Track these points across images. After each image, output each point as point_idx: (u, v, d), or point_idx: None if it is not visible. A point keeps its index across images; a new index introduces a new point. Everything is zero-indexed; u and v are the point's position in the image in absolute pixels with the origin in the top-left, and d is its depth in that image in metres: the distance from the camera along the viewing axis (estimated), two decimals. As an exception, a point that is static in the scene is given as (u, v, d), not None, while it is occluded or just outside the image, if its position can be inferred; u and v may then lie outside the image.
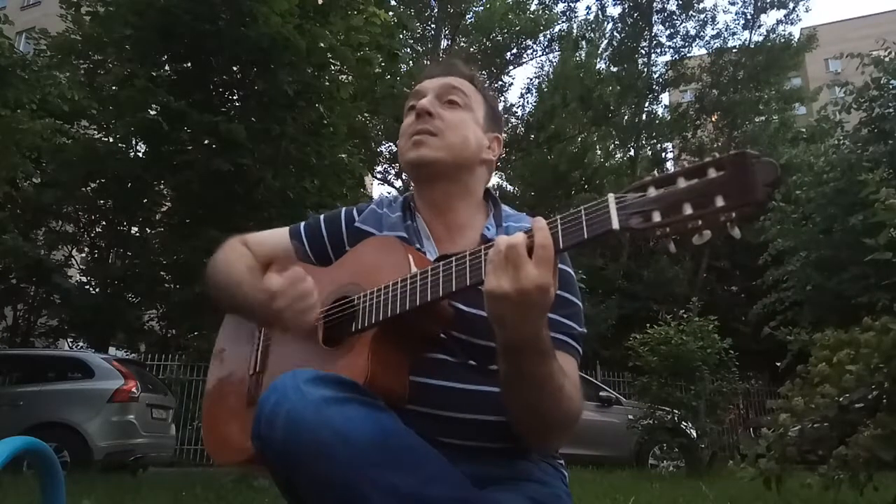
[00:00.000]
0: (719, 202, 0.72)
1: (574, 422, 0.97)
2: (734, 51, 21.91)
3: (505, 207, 1.21)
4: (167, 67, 9.38)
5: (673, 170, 0.80)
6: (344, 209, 1.26)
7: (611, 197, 0.80)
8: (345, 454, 0.77)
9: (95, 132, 11.14)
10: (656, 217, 0.76)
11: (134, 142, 10.58)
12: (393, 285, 0.97)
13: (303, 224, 1.26)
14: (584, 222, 0.81)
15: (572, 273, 1.12)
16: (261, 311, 1.03)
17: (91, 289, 12.16)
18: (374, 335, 0.98)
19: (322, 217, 1.26)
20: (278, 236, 1.26)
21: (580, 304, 1.10)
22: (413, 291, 0.94)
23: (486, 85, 1.24)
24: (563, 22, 23.07)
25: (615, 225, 0.77)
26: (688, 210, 0.74)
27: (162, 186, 10.79)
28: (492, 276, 0.83)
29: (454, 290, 0.91)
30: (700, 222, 0.74)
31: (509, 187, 24.30)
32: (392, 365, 0.98)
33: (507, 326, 0.85)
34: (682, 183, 0.76)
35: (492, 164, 1.22)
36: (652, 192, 0.77)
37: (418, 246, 1.12)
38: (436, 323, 0.99)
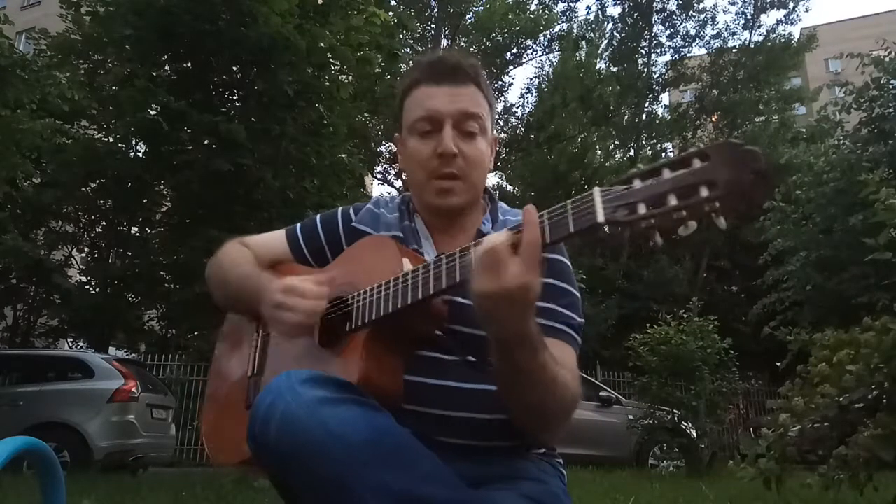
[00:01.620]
0: (704, 192, 0.72)
1: (571, 408, 0.98)
2: (734, 51, 21.91)
3: (502, 204, 1.21)
4: (167, 67, 9.38)
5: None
6: (340, 209, 1.26)
7: (596, 190, 0.80)
8: (338, 454, 0.77)
9: (95, 132, 11.16)
10: (641, 209, 0.76)
11: (134, 142, 10.59)
12: (386, 284, 0.98)
13: (299, 225, 1.26)
14: (569, 216, 0.81)
15: (568, 263, 1.13)
16: (267, 299, 1.05)
17: (91, 289, 12.15)
18: (367, 334, 0.99)
19: (318, 217, 1.26)
20: (276, 239, 1.26)
21: (577, 294, 1.11)
22: (405, 289, 0.95)
23: (485, 78, 1.20)
24: (563, 22, 23.13)
25: (600, 218, 0.77)
26: (672, 201, 0.74)
27: (162, 186, 10.80)
28: (477, 275, 0.84)
29: (444, 287, 0.92)
30: (685, 213, 0.74)
31: (509, 187, 24.29)
32: (386, 364, 0.98)
33: (496, 324, 0.86)
34: (667, 174, 0.76)
35: (492, 163, 1.23)
36: (637, 184, 0.77)
37: (415, 246, 1.12)
38: (430, 321, 0.99)
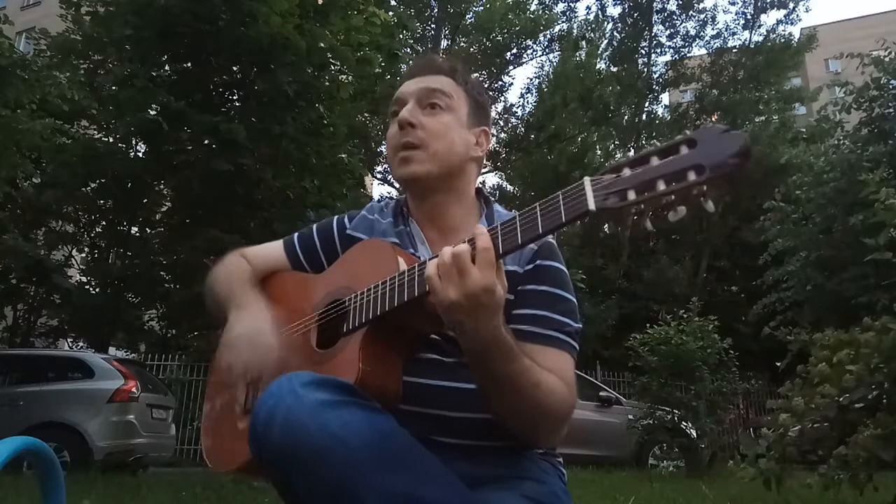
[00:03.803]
0: (691, 176, 0.74)
1: (562, 414, 0.99)
2: (734, 51, 21.89)
3: (497, 206, 1.21)
4: (167, 67, 9.39)
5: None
6: (336, 217, 1.29)
7: (587, 180, 0.82)
8: (341, 457, 0.78)
9: (95, 132, 11.14)
10: (631, 195, 0.78)
11: (134, 142, 10.58)
12: (382, 284, 0.98)
13: (296, 235, 1.29)
14: (561, 205, 0.83)
15: (564, 270, 1.13)
16: (228, 333, 1.09)
17: (91, 289, 12.14)
18: (364, 334, 0.99)
19: (314, 227, 1.29)
20: (275, 249, 1.29)
21: (574, 300, 1.11)
22: (401, 288, 0.95)
23: (469, 78, 1.23)
24: (563, 22, 23.11)
25: (591, 206, 0.79)
26: (661, 186, 0.76)
27: (162, 186, 10.80)
28: (440, 285, 0.86)
29: None
30: (673, 197, 0.76)
31: (509, 187, 24.30)
32: (384, 364, 0.99)
33: (466, 332, 0.88)
34: (655, 161, 0.78)
35: (481, 160, 1.23)
36: (626, 172, 0.80)
37: (412, 251, 1.13)
38: (426, 320, 0.99)
